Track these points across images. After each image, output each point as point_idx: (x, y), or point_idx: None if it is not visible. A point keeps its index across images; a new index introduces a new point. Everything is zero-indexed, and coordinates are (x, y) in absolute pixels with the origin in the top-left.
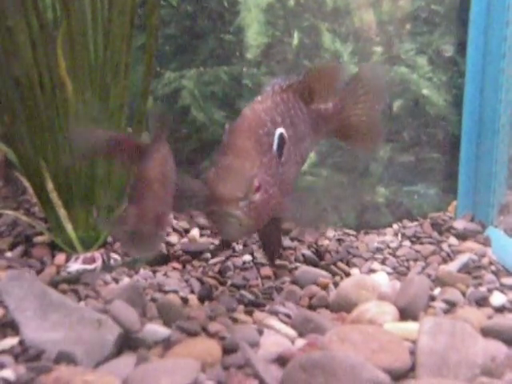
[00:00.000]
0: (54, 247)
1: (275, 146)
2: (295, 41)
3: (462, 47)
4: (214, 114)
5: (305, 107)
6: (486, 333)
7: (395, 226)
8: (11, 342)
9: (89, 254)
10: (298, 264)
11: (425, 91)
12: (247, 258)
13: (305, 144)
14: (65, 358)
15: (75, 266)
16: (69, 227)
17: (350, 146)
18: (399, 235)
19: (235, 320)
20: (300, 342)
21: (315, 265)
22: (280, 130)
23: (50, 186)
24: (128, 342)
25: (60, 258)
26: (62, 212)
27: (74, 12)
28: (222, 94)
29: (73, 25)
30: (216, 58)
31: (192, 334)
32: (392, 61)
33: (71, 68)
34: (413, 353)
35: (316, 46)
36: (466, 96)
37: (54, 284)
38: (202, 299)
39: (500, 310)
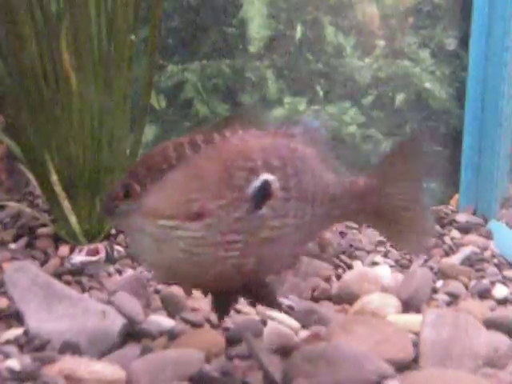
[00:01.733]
0: (57, 239)
1: (251, 190)
2: (298, 34)
3: (464, 41)
4: (217, 107)
5: (323, 172)
6: (489, 325)
7: None
8: (16, 332)
9: (92, 246)
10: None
11: (427, 84)
12: None
13: (315, 218)
14: (69, 348)
15: (79, 258)
16: (73, 219)
17: (388, 239)
18: None
19: (238, 311)
20: (303, 334)
21: (317, 257)
22: (266, 177)
23: (54, 178)
24: (132, 333)
25: (64, 249)
26: (65, 204)
27: (78, 5)
28: (225, 87)
29: (77, 17)
30: (219, 51)
31: (196, 325)
32: (395, 54)
33: (75, 60)
34: (416, 344)
35: (319, 39)
36: (469, 89)
37: (58, 275)
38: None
39: (502, 302)
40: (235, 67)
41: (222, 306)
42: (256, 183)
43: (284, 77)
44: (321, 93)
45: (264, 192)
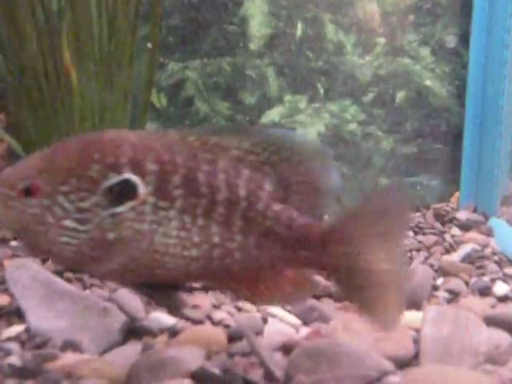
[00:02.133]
0: None
1: (105, 186)
2: (298, 32)
3: (464, 38)
4: (218, 104)
5: (262, 199)
6: (489, 322)
7: None
8: (17, 329)
9: None
10: None
11: (428, 82)
12: None
13: (240, 246)
14: (71, 345)
15: None
16: None
17: (355, 305)
18: None
19: (239, 309)
20: (304, 331)
21: None
22: (130, 177)
23: None
24: (133, 331)
25: None
26: None
27: (79, 3)
28: (226, 85)
29: (77, 15)
30: (219, 48)
31: (197, 323)
32: (395, 52)
33: (76, 58)
34: (416, 341)
35: (319, 37)
36: (469, 87)
37: (59, 273)
38: (206, 288)
39: (503, 299)
40: (236, 65)
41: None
42: (113, 180)
43: (284, 75)
44: (321, 90)
45: (123, 191)
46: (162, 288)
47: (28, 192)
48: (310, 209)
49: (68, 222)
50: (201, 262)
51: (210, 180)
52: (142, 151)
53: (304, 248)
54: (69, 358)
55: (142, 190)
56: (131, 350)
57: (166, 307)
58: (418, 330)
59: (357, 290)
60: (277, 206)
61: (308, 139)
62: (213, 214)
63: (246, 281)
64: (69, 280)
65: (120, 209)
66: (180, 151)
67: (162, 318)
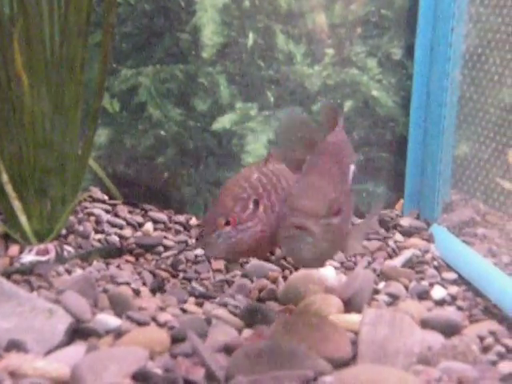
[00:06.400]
0: (7, 238)
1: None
2: (250, 41)
3: (410, 51)
4: (170, 111)
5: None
6: (425, 324)
7: None
8: None
9: (42, 246)
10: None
11: (374, 92)
12: (200, 251)
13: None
14: (15, 346)
15: (29, 258)
16: (23, 219)
17: None
18: None
19: (185, 311)
20: (247, 333)
21: (266, 259)
22: (353, 167)
23: (4, 177)
24: (79, 332)
25: (13, 249)
26: (16, 204)
27: (31, 8)
28: (178, 91)
29: (29, 20)
30: (172, 56)
31: (142, 324)
32: (343, 63)
33: (27, 63)
34: (355, 343)
35: (270, 46)
36: (413, 98)
37: (7, 275)
38: (153, 291)
39: (440, 303)
40: (188, 72)
41: None
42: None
43: (236, 83)
44: (272, 99)
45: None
46: None
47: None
48: None
49: None
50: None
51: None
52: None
53: None
54: (12, 357)
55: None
56: (75, 351)
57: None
58: (357, 333)
59: None
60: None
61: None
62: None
63: None
64: (16, 282)
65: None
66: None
67: (107, 319)
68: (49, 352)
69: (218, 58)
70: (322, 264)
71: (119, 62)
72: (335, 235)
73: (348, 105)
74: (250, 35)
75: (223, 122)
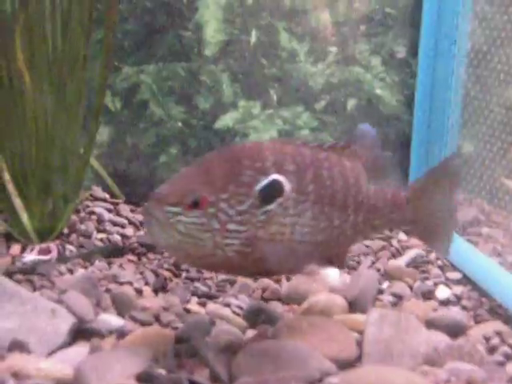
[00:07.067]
0: (9, 238)
1: (258, 187)
2: (253, 39)
3: (414, 49)
4: (172, 109)
5: (363, 184)
6: (431, 324)
7: None
8: None
9: (44, 245)
10: None
11: (378, 91)
12: None
13: (350, 225)
14: (18, 346)
15: (30, 257)
16: (24, 218)
17: (419, 239)
18: None
19: (188, 311)
20: (251, 333)
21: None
22: (276, 177)
23: (5, 176)
24: (82, 332)
25: (15, 248)
26: (17, 202)
27: (33, 4)
28: (180, 89)
29: (31, 17)
30: (175, 54)
31: (145, 324)
32: (347, 61)
33: (29, 60)
34: (360, 343)
35: (273, 44)
36: (417, 96)
37: (9, 274)
38: (156, 291)
39: (444, 303)
40: (190, 70)
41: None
42: (264, 182)
43: (239, 81)
44: (274, 97)
45: (272, 190)
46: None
47: (196, 205)
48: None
49: (231, 226)
50: (324, 244)
51: (330, 174)
52: (281, 155)
53: (395, 212)
54: (15, 358)
55: (288, 186)
56: (78, 352)
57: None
58: (361, 333)
59: (424, 231)
60: (372, 187)
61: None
62: (334, 201)
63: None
64: (18, 281)
65: (271, 206)
66: (305, 153)
67: (110, 319)
68: (52, 352)
69: (221, 55)
70: (184, 256)
71: (121, 59)
72: (197, 230)
73: (351, 103)
74: (253, 33)
75: (226, 120)
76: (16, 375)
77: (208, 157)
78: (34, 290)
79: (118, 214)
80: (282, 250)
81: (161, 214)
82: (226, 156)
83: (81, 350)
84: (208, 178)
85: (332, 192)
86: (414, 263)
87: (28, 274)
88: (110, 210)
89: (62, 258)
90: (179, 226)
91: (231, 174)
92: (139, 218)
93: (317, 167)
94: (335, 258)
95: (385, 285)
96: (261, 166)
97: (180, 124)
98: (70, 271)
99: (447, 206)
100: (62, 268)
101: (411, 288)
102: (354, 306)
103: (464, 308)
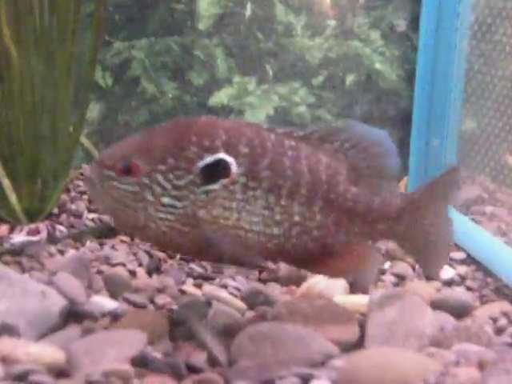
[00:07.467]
0: None
1: (200, 165)
2: (248, 12)
3: (414, 22)
4: (165, 85)
5: (341, 183)
6: (435, 305)
7: None
8: None
9: (33, 226)
10: None
11: (377, 65)
12: None
13: (319, 225)
14: (7, 330)
15: (19, 238)
16: (13, 198)
17: (410, 256)
18: None
19: (184, 292)
20: (249, 315)
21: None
22: (224, 156)
23: None
24: (73, 315)
25: (3, 229)
26: (5, 182)
27: None
28: (173, 65)
29: None
30: (167, 28)
31: (139, 306)
32: (345, 34)
33: (16, 33)
34: (362, 325)
35: (269, 17)
36: (418, 71)
37: None
38: (150, 272)
39: (448, 283)
40: (184, 45)
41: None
42: (208, 160)
43: (233, 55)
44: (270, 72)
45: (215, 170)
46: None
47: (128, 171)
48: (377, 189)
49: (166, 199)
50: (280, 239)
51: (294, 164)
52: (235, 135)
53: (381, 222)
54: (4, 342)
55: (235, 169)
56: (70, 335)
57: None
58: (364, 314)
59: (418, 247)
60: (354, 189)
61: (372, 128)
62: (295, 195)
63: (317, 257)
64: (6, 263)
65: (214, 186)
66: (268, 138)
67: (103, 301)
68: (42, 336)
69: (215, 29)
70: (119, 224)
71: (112, 34)
72: (129, 199)
73: (350, 78)
74: (248, 6)
75: (220, 96)
76: (4, 360)
77: (159, 126)
78: (23, 271)
79: None
80: (225, 235)
81: (97, 176)
82: (176, 128)
83: (72, 333)
84: (149, 147)
85: (293, 184)
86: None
87: (17, 256)
88: None
89: (51, 239)
90: (112, 191)
91: (174, 147)
92: None
93: (278, 154)
94: (312, 264)
95: (386, 265)
96: (209, 143)
97: (173, 101)
98: (61, 252)
99: (443, 222)
100: (52, 249)
101: (414, 268)
102: (354, 286)
103: (469, 288)
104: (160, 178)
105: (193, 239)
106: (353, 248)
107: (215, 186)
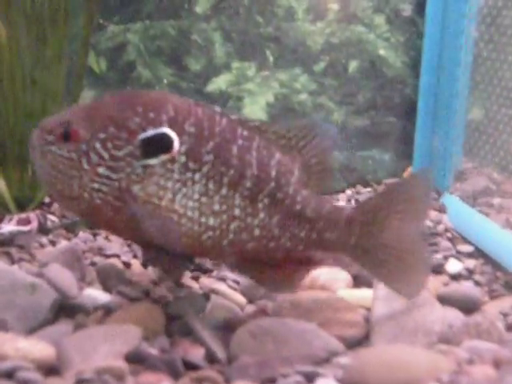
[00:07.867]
0: None
1: (142, 136)
2: None
3: (421, 7)
4: (161, 70)
5: (291, 183)
6: (443, 300)
7: (348, 192)
8: None
9: (24, 215)
10: None
11: (382, 52)
12: None
13: (261, 223)
14: None
15: (8, 228)
16: (2, 186)
17: (379, 279)
18: (352, 201)
19: (180, 285)
20: (249, 309)
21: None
22: (167, 131)
23: None
24: (65, 308)
25: None
26: None
27: None
28: (170, 49)
29: None
30: (163, 11)
31: (134, 300)
32: (348, 19)
33: (5, 14)
34: (367, 320)
35: (269, 1)
36: (425, 58)
37: None
38: (145, 264)
39: (456, 277)
40: (180, 29)
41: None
42: (150, 132)
43: (232, 40)
44: (271, 58)
45: (157, 144)
46: (171, 257)
47: (67, 137)
48: (322, 187)
49: (102, 169)
50: (216, 232)
51: (243, 154)
52: (184, 113)
53: (330, 230)
54: None
55: (176, 146)
56: (62, 330)
57: (167, 273)
58: (369, 309)
59: (377, 265)
60: (305, 192)
61: (326, 123)
62: (239, 186)
63: (255, 261)
64: None
65: (152, 161)
66: (219, 122)
67: (96, 294)
68: (32, 331)
69: (213, 13)
70: (54, 192)
71: (106, 17)
72: (65, 165)
73: (353, 65)
74: None
75: (218, 82)
76: None
77: (107, 96)
78: (13, 263)
79: None
80: (156, 215)
81: (37, 141)
82: (123, 98)
83: (64, 328)
84: (93, 114)
85: (238, 174)
86: (422, 235)
87: (5, 246)
88: None
89: (42, 229)
90: (49, 155)
91: (117, 116)
92: None
93: (225, 141)
94: (248, 268)
95: None
96: (154, 116)
97: (169, 87)
98: (52, 243)
99: (411, 235)
100: (43, 239)
101: None
102: (358, 280)
103: (477, 283)
104: (98, 145)
105: (124, 217)
106: (296, 258)
107: (154, 161)
